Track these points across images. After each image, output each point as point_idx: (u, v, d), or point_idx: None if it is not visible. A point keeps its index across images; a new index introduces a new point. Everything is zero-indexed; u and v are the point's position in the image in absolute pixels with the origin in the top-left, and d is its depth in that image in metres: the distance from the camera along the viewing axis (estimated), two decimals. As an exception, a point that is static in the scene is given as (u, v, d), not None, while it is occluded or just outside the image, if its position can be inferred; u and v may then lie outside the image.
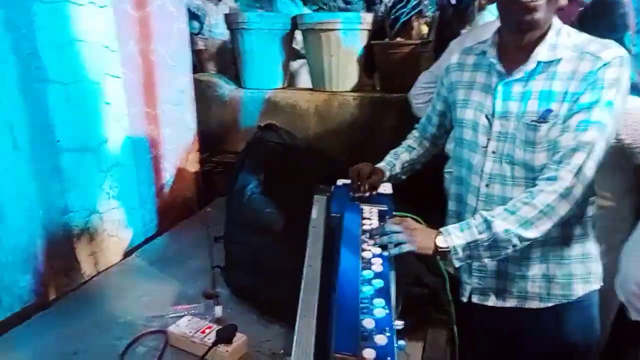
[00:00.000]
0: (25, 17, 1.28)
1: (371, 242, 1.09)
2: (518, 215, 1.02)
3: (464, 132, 1.23)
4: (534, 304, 1.20)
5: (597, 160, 1.02)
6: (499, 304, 1.23)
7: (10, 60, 1.26)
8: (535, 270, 1.18)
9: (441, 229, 1.06)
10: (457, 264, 1.05)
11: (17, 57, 1.27)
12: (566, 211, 1.02)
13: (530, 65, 1.09)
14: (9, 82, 1.26)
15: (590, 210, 1.19)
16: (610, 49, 1.03)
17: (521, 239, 1.02)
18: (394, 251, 1.05)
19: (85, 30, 1.46)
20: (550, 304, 1.19)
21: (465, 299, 1.27)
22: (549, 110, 1.06)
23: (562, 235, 1.16)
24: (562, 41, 1.07)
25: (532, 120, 1.08)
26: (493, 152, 1.15)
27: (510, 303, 1.22)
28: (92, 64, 1.50)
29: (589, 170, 1.02)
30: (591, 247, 1.20)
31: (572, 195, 1.01)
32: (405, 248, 1.05)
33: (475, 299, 1.25)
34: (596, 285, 1.21)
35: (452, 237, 1.04)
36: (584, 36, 1.08)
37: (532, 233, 1.02)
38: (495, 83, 1.15)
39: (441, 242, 1.04)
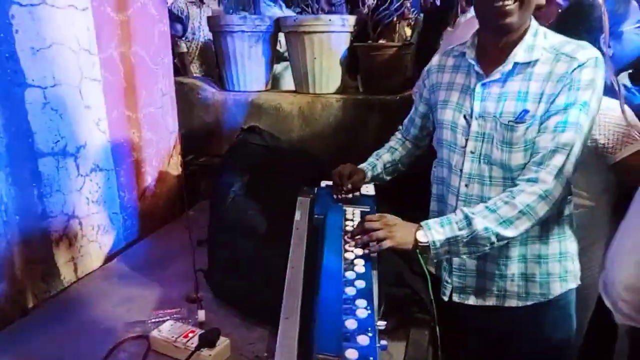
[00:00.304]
0: (2, 20, 1.26)
1: (352, 242, 1.09)
2: (498, 214, 1.03)
3: (443, 133, 1.24)
4: (513, 303, 1.22)
5: (574, 161, 1.05)
6: (479, 302, 1.24)
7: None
8: (514, 269, 1.19)
9: (422, 223, 1.07)
10: (435, 257, 1.06)
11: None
12: (545, 212, 1.04)
13: (507, 66, 1.10)
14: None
15: (567, 209, 1.21)
16: (585, 50, 1.05)
17: (499, 237, 1.04)
18: (374, 248, 1.06)
19: (64, 33, 1.44)
20: (528, 303, 1.21)
21: (446, 298, 1.28)
22: (526, 111, 1.08)
23: (540, 234, 1.17)
24: (538, 42, 1.09)
25: (509, 121, 1.10)
26: (471, 152, 1.16)
27: (490, 302, 1.23)
28: (71, 67, 1.48)
29: (568, 171, 1.04)
30: (568, 246, 1.21)
31: (551, 197, 1.03)
32: (386, 244, 1.05)
33: (455, 298, 1.26)
34: (573, 284, 1.23)
35: (433, 232, 1.05)
36: (560, 37, 1.11)
37: (510, 232, 1.04)
38: (474, 84, 1.17)
39: (421, 236, 1.05)
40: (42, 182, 1.42)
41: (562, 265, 1.20)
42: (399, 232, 1.06)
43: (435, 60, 1.32)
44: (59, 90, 1.45)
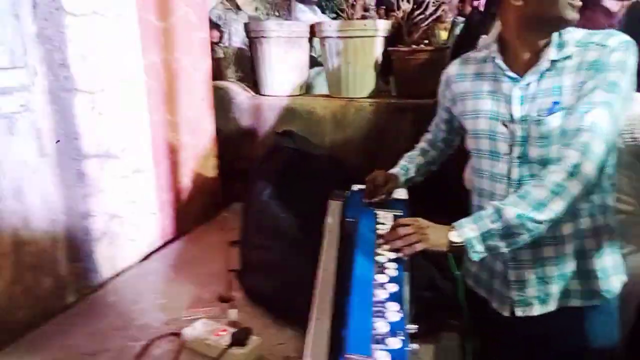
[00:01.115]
0: (57, 29, 1.33)
1: (385, 246, 1.09)
2: (529, 198, 1.01)
3: (480, 143, 1.21)
4: (578, 302, 1.17)
5: (605, 139, 1.01)
6: (543, 310, 1.19)
7: (41, 71, 1.31)
8: (573, 266, 1.16)
9: (454, 224, 1.05)
10: (475, 257, 1.03)
11: (48, 68, 1.32)
12: (578, 190, 1.00)
13: (544, 65, 1.09)
14: (39, 92, 1.31)
15: (611, 201, 1.17)
16: (615, 36, 1.04)
17: (535, 221, 1.00)
18: (408, 251, 1.05)
19: (112, 40, 1.51)
20: (593, 302, 1.17)
21: (507, 313, 1.22)
22: (556, 103, 1.07)
23: (593, 228, 1.14)
24: (567, 38, 1.09)
25: (540, 116, 1.09)
26: (518, 158, 1.14)
27: (553, 306, 1.19)
28: (117, 73, 1.55)
29: (597, 148, 1.00)
30: (614, 238, 1.18)
31: (581, 173, 0.99)
32: (419, 247, 1.04)
33: (519, 312, 1.20)
34: (624, 276, 1.20)
35: (465, 230, 1.03)
36: (583, 31, 1.10)
37: (545, 215, 1.00)
38: (508, 89, 1.15)
39: (455, 237, 1.03)
40: (86, 182, 1.49)
41: (614, 259, 1.17)
42: (432, 234, 1.05)
43: (453, 69, 1.29)
44: (105, 95, 1.52)
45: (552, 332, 1.22)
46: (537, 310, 1.19)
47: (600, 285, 1.16)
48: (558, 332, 1.22)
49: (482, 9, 2.48)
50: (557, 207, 1.00)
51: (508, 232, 1.02)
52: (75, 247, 1.48)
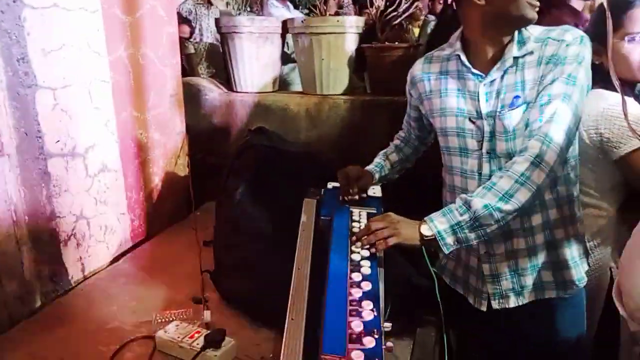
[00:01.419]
0: (15, 22, 1.27)
1: (359, 243, 1.09)
2: (495, 189, 1.04)
3: (449, 140, 1.24)
4: (553, 294, 1.21)
5: (566, 129, 1.04)
6: (519, 302, 1.23)
7: (-2, 66, 1.25)
8: (544, 257, 1.20)
9: (425, 218, 1.08)
10: (446, 250, 1.05)
11: (5, 62, 1.26)
12: (542, 179, 1.03)
13: (507, 62, 1.13)
14: (-4, 87, 1.25)
15: (576, 190, 1.22)
16: (570, 32, 1.09)
17: (502, 211, 1.03)
18: (381, 246, 1.06)
19: (75, 35, 1.46)
20: (567, 292, 1.21)
21: (484, 308, 1.26)
22: (517, 97, 1.11)
23: (561, 218, 1.18)
24: (526, 35, 1.13)
25: (502, 111, 1.13)
26: (487, 153, 1.16)
27: (529, 297, 1.23)
28: (81, 68, 1.49)
29: (558, 137, 1.03)
30: (580, 228, 1.23)
31: (544, 163, 1.03)
32: (392, 241, 1.05)
33: (495, 305, 1.24)
34: (586, 265, 1.25)
35: (436, 223, 1.05)
36: (540, 28, 1.14)
37: (511, 205, 1.03)
38: (473, 86, 1.17)
39: (425, 230, 1.05)
40: (51, 182, 1.43)
41: (580, 247, 1.22)
42: (403, 228, 1.07)
43: (417, 68, 1.32)
44: (69, 91, 1.46)
45: (527, 324, 1.26)
46: (513, 302, 1.23)
47: (572, 274, 1.20)
48: (533, 324, 1.25)
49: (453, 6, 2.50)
50: (522, 197, 1.03)
51: (476, 224, 1.04)
52: (41, 250, 1.42)
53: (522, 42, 1.12)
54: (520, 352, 1.32)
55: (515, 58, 1.12)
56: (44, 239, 1.44)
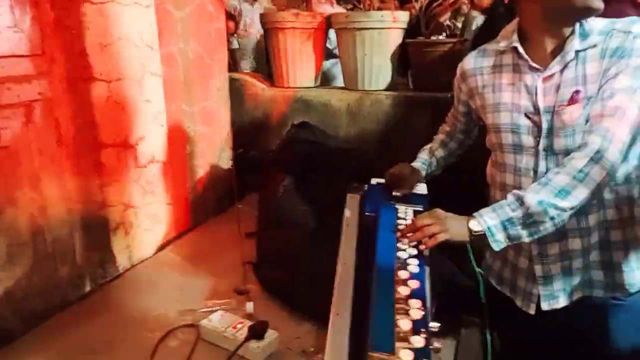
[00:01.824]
0: (75, 17, 1.32)
1: (405, 240, 1.07)
2: (551, 185, 1.00)
3: (502, 137, 1.19)
4: (600, 293, 1.16)
5: (630, 124, 0.99)
6: (568, 301, 1.19)
7: (60, 59, 1.30)
8: (596, 256, 1.15)
9: (474, 213, 1.05)
10: (496, 247, 1.02)
11: (67, 56, 1.32)
12: (601, 176, 0.99)
13: (569, 55, 1.07)
14: (57, 80, 1.30)
15: (637, 192, 1.14)
16: (638, 23, 1.02)
17: (558, 208, 0.99)
18: (430, 243, 1.04)
19: (129, 29, 1.50)
20: (616, 294, 1.16)
21: (532, 311, 1.22)
22: (577, 91, 1.05)
23: (619, 219, 1.13)
24: (588, 28, 1.07)
25: (561, 105, 1.07)
26: (544, 150, 1.12)
27: (577, 295, 1.18)
28: (134, 62, 1.54)
29: (621, 134, 0.98)
30: (639, 232, 1.16)
31: (604, 159, 0.98)
32: (440, 237, 1.03)
33: (545, 307, 1.20)
34: None
35: (485, 219, 1.02)
36: (604, 20, 1.08)
37: (568, 202, 0.99)
38: (531, 80, 1.12)
39: (475, 225, 1.03)
40: (103, 172, 1.48)
41: (638, 253, 1.15)
42: (452, 224, 1.04)
43: (469, 63, 1.27)
44: (123, 84, 1.51)
45: (576, 328, 1.21)
46: (562, 302, 1.18)
47: (624, 278, 1.15)
48: (582, 328, 1.20)
49: (505, 0, 2.42)
50: (580, 194, 0.99)
51: (529, 220, 1.01)
52: (91, 237, 1.48)
53: (584, 35, 1.07)
54: (567, 357, 1.27)
55: (577, 51, 1.07)
56: (95, 226, 1.49)
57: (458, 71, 1.31)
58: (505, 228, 1.02)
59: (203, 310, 1.34)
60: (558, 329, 1.23)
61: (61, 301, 1.38)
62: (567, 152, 1.08)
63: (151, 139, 1.67)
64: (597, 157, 0.98)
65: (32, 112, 1.24)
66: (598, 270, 1.16)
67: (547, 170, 1.12)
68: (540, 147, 1.12)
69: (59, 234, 1.36)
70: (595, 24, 1.07)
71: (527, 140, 1.14)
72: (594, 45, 1.05)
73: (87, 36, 1.36)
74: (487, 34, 2.29)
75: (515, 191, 1.04)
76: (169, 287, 1.50)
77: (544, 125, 1.11)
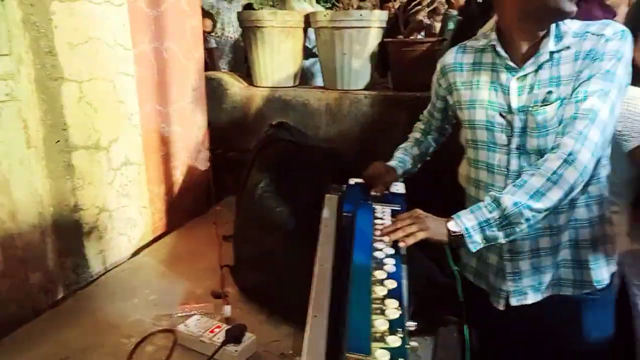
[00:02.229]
0: (43, 15, 1.28)
1: (386, 238, 1.07)
2: (526, 187, 1.01)
3: (477, 134, 1.20)
4: (568, 291, 1.19)
5: (602, 127, 1.01)
6: (537, 298, 1.21)
7: (27, 59, 1.26)
8: (566, 254, 1.17)
9: (452, 215, 1.06)
10: (473, 248, 1.03)
11: (34, 55, 1.28)
12: (575, 178, 1.00)
13: (543, 56, 1.09)
14: (25, 80, 1.26)
15: (606, 191, 1.18)
16: (610, 26, 1.04)
17: (533, 210, 1.00)
18: (410, 240, 1.04)
19: (101, 28, 1.47)
20: (583, 291, 1.18)
21: (502, 307, 1.24)
22: (550, 92, 1.07)
23: (588, 218, 1.15)
24: (563, 29, 1.09)
25: (535, 106, 1.09)
26: (517, 148, 1.13)
27: (547, 292, 1.21)
28: (106, 62, 1.51)
29: (594, 136, 1.00)
30: (608, 229, 1.19)
31: (578, 161, 0.99)
32: (420, 235, 1.03)
33: (514, 302, 1.22)
34: (614, 267, 1.21)
35: (463, 220, 1.03)
36: (579, 22, 1.10)
37: (542, 204, 1.00)
38: (506, 79, 1.14)
39: (453, 226, 1.03)
40: (75, 175, 1.45)
41: (607, 248, 1.18)
42: (431, 223, 1.05)
43: (449, 58, 1.28)
44: (94, 84, 1.47)
45: (548, 322, 1.23)
46: (531, 298, 1.21)
47: (592, 275, 1.18)
48: (554, 322, 1.22)
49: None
50: (554, 196, 1.00)
51: (506, 222, 1.02)
52: (64, 242, 1.44)
53: (559, 37, 1.08)
54: (541, 351, 1.29)
55: (551, 52, 1.08)
56: (68, 230, 1.46)
57: (438, 66, 1.32)
58: (482, 229, 1.03)
59: (180, 314, 1.32)
60: (531, 323, 1.25)
61: (33, 309, 1.34)
62: (539, 152, 1.10)
63: (125, 141, 1.63)
64: (570, 159, 0.99)
65: (0, 113, 1.20)
66: (567, 268, 1.18)
67: (520, 168, 1.14)
68: (513, 145, 1.14)
69: (30, 239, 1.32)
70: (570, 25, 1.09)
71: (501, 138, 1.16)
72: (568, 47, 1.07)
73: (56, 35, 1.32)
74: (461, 33, 2.31)
75: (492, 193, 1.05)
76: (145, 292, 1.47)
77: (517, 125, 1.13)
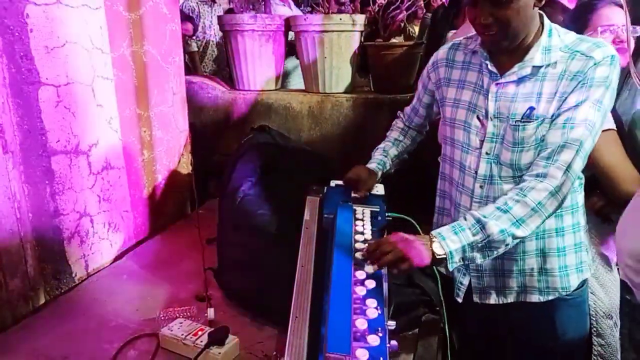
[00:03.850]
0: (17, 19, 1.27)
1: (370, 266, 1.02)
2: (510, 214, 1.02)
3: (455, 132, 1.22)
4: (534, 298, 1.21)
5: (584, 158, 1.03)
6: (501, 300, 1.23)
7: (1, 63, 1.25)
8: (533, 263, 1.19)
9: (434, 234, 1.04)
10: (451, 267, 1.03)
11: (8, 59, 1.26)
12: (555, 207, 1.04)
13: (525, 69, 1.09)
14: (0, 85, 1.25)
15: (581, 200, 1.20)
16: (601, 48, 1.03)
17: (514, 237, 1.03)
18: (394, 273, 1.03)
19: (78, 32, 1.45)
20: (550, 298, 1.20)
21: (460, 300, 1.26)
22: (532, 108, 1.07)
23: (557, 227, 1.17)
24: (554, 43, 1.08)
25: (517, 121, 1.09)
26: (487, 154, 1.15)
27: (511, 298, 1.22)
28: (84, 66, 1.49)
29: (577, 167, 1.03)
30: (582, 236, 1.21)
31: (560, 193, 1.03)
32: (403, 268, 1.00)
33: (476, 299, 1.24)
34: (587, 274, 1.23)
35: (448, 242, 1.02)
36: (574, 35, 1.09)
37: (522, 231, 1.02)
38: (487, 83, 1.15)
39: (438, 248, 1.01)
40: (54, 180, 1.43)
41: (577, 256, 1.20)
42: (413, 250, 1.00)
43: (442, 53, 1.29)
44: (72, 88, 1.46)
45: (518, 323, 1.26)
46: (493, 299, 1.23)
47: (558, 282, 1.19)
48: (523, 323, 1.25)
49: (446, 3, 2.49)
50: (534, 224, 1.03)
51: (487, 246, 1.03)
52: (44, 248, 1.42)
53: (548, 49, 1.07)
54: (518, 350, 1.32)
55: (536, 67, 1.08)
56: (48, 236, 1.44)
57: (432, 59, 1.33)
58: (464, 251, 1.02)
59: (163, 318, 1.31)
60: (504, 322, 1.28)
61: (12, 316, 1.32)
62: (511, 166, 1.12)
63: (105, 145, 1.62)
64: (555, 191, 1.02)
65: (-26, 119, 1.19)
66: (532, 276, 1.20)
67: (488, 173, 1.15)
68: (484, 149, 1.15)
69: (8, 245, 1.30)
70: (563, 38, 1.08)
71: (474, 140, 1.17)
72: (555, 63, 1.06)
73: (31, 39, 1.31)
74: (433, 39, 2.35)
75: (475, 213, 1.04)
76: (128, 296, 1.46)
77: (490, 130, 1.14)
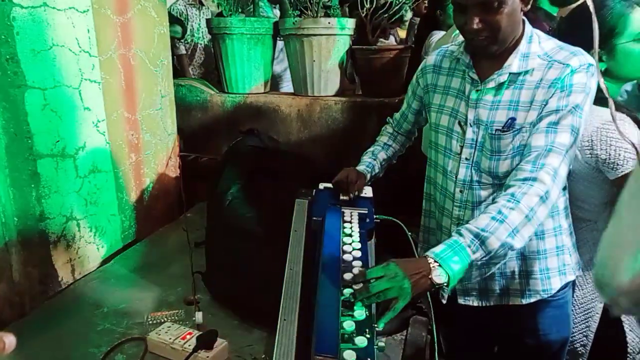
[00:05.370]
0: (3, 21, 1.26)
1: (357, 286, 0.95)
2: (507, 223, 0.97)
3: (439, 138, 1.24)
4: (517, 301, 1.22)
5: (568, 162, 1.04)
6: (483, 303, 1.25)
7: (-14, 65, 1.24)
8: (513, 266, 1.20)
9: (432, 256, 0.96)
10: (448, 291, 1.03)
11: (-6, 62, 1.25)
12: (544, 215, 1.01)
13: (503, 77, 1.10)
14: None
15: (562, 203, 1.21)
16: (578, 57, 1.05)
17: (512, 249, 0.99)
18: (391, 314, 0.94)
19: (65, 35, 1.44)
20: (532, 300, 1.21)
21: (444, 301, 1.27)
22: (513, 119, 1.08)
23: (537, 230, 1.14)
24: (533, 50, 1.09)
25: (496, 130, 1.10)
26: (466, 159, 1.17)
27: (493, 301, 1.24)
28: (71, 69, 1.48)
29: (563, 172, 1.03)
30: (564, 240, 1.21)
31: (550, 199, 1.01)
32: (401, 305, 0.93)
33: (460, 301, 1.26)
34: (572, 276, 1.24)
35: (450, 265, 0.94)
36: (554, 42, 1.10)
37: (517, 242, 0.98)
38: (468, 90, 1.16)
39: (438, 278, 0.94)
40: (40, 183, 1.42)
41: (559, 259, 1.20)
42: (407, 283, 0.93)
43: (431, 59, 1.31)
44: (59, 91, 1.45)
45: (502, 323, 1.28)
46: (476, 302, 1.24)
47: (539, 285, 1.20)
48: (506, 323, 1.27)
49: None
50: (527, 233, 0.99)
51: (487, 262, 1.02)
52: (30, 252, 1.41)
53: (526, 56, 1.08)
54: (504, 349, 1.34)
55: (513, 74, 1.09)
56: (34, 240, 1.42)
57: (421, 65, 1.34)
58: (465, 272, 0.97)
59: (151, 322, 1.30)
60: (490, 323, 1.29)
61: (-1, 320, 1.31)
62: (490, 173, 1.13)
63: (92, 148, 1.61)
64: (545, 197, 0.99)
65: (-41, 122, 1.17)
66: (515, 279, 1.21)
67: (468, 178, 1.16)
68: (463, 155, 1.17)
69: (-7, 249, 1.29)
70: (544, 45, 1.09)
71: (455, 146, 1.19)
72: (532, 71, 1.07)
73: (17, 42, 1.29)
74: (418, 40, 2.38)
75: (471, 228, 0.98)
76: (115, 300, 1.45)
77: (469, 136, 1.15)
